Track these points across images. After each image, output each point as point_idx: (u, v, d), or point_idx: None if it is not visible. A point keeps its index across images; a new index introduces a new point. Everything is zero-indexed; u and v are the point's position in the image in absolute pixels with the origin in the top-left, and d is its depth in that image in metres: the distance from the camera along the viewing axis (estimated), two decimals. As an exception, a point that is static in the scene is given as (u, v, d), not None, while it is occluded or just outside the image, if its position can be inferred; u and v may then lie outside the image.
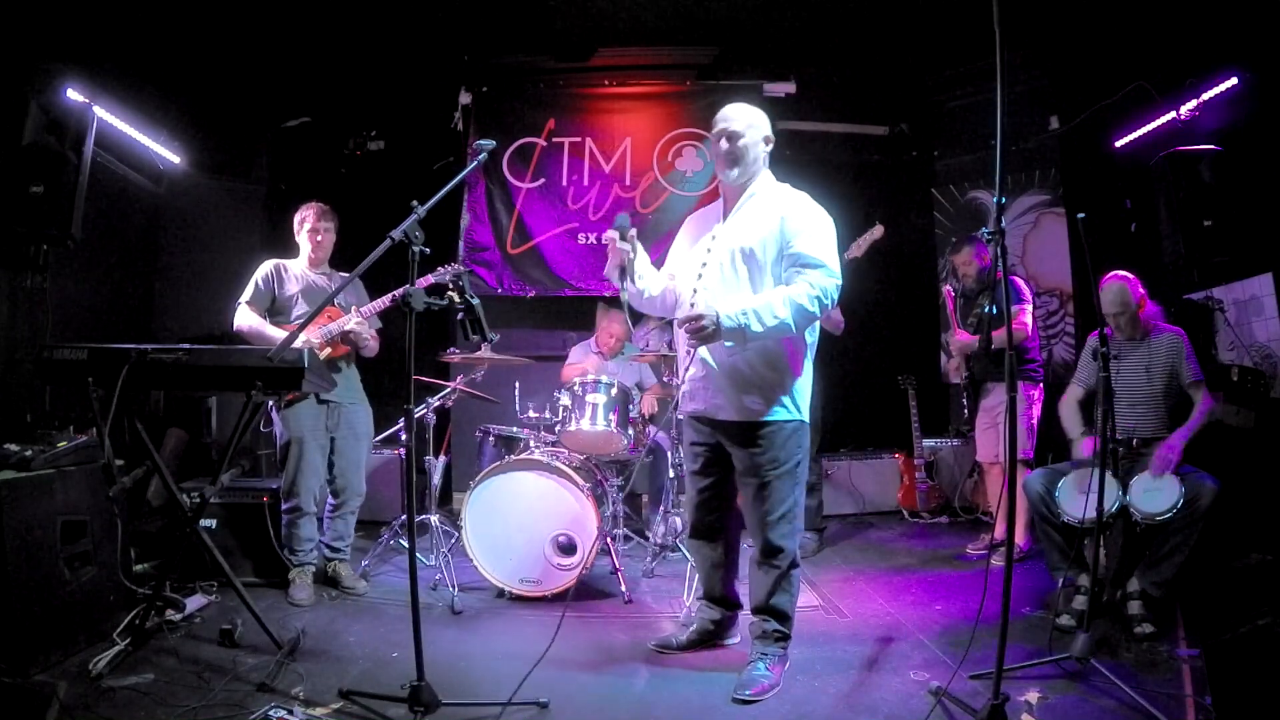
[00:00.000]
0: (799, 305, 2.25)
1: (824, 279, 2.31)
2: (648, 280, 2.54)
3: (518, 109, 5.34)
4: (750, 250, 2.40)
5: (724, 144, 2.45)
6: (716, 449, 2.56)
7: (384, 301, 3.35)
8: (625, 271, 2.46)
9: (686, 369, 2.53)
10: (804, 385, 2.49)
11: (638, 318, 3.80)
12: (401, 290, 3.25)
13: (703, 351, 2.44)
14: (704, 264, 2.49)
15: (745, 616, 2.73)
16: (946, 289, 4.30)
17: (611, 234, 2.46)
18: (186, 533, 2.83)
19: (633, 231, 2.48)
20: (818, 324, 2.49)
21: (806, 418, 2.50)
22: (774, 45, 5.16)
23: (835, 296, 2.33)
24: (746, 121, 2.46)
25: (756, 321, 2.24)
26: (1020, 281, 3.94)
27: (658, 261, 2.67)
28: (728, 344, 2.30)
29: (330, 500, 3.48)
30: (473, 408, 4.66)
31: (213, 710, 2.22)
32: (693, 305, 2.43)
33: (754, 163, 2.47)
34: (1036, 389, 3.91)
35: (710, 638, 2.78)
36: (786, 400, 2.43)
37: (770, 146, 2.53)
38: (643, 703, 2.40)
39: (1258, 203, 3.60)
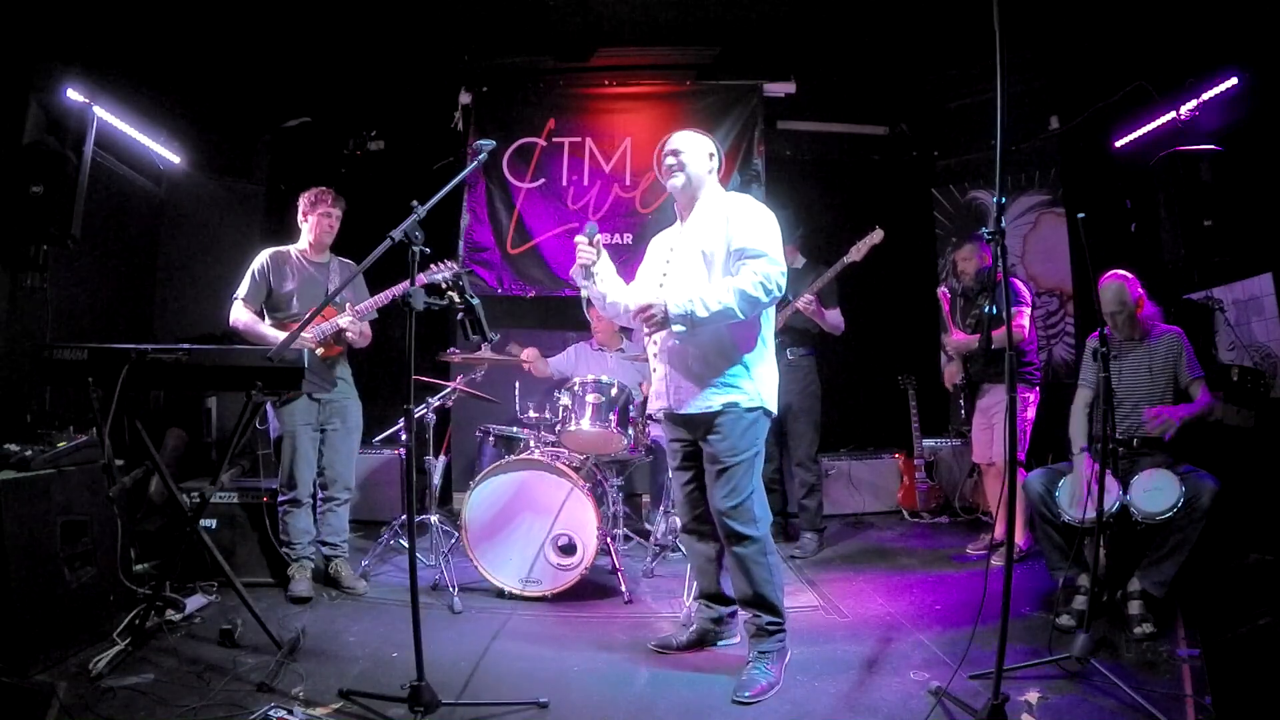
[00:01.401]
0: (743, 291, 2.38)
1: (767, 266, 2.43)
2: (608, 285, 2.70)
3: (518, 109, 5.33)
4: (705, 252, 2.56)
5: (669, 159, 2.66)
6: (692, 444, 2.66)
7: (380, 299, 3.36)
8: (588, 273, 2.66)
9: (653, 370, 2.69)
10: (761, 369, 2.58)
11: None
12: (400, 288, 3.29)
13: (666, 353, 2.59)
14: (664, 274, 2.65)
15: (744, 614, 2.72)
16: (942, 290, 4.29)
17: (581, 238, 2.63)
18: (186, 533, 2.84)
19: (598, 238, 2.67)
20: (771, 313, 2.64)
21: (771, 407, 2.60)
22: (774, 45, 5.15)
23: (780, 283, 2.44)
24: (689, 142, 2.66)
25: (702, 307, 2.37)
26: (1020, 284, 3.94)
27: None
28: (678, 329, 2.41)
29: (320, 493, 3.49)
30: (473, 408, 4.66)
31: (213, 710, 2.22)
32: None
33: (696, 176, 2.64)
34: (1032, 392, 3.91)
35: (711, 637, 2.79)
36: (745, 385, 2.53)
37: (715, 162, 2.69)
38: (643, 703, 2.40)
39: (1258, 203, 3.60)
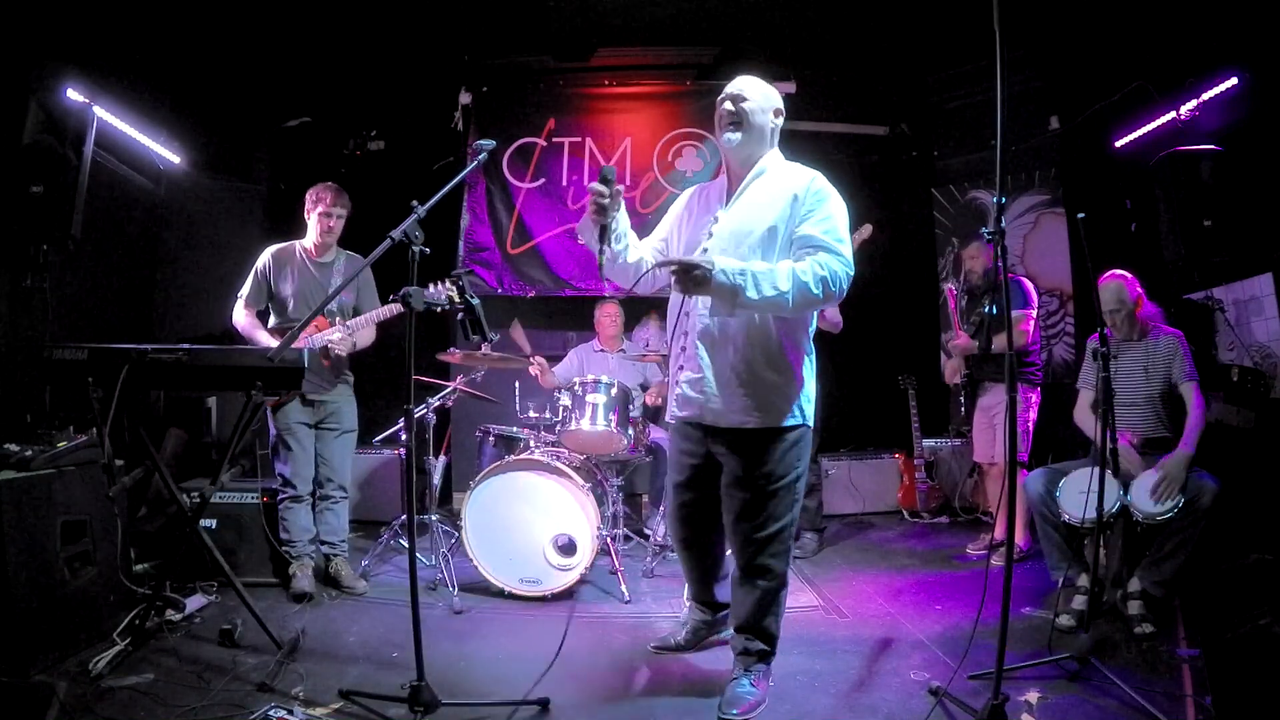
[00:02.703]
0: (803, 283, 2.04)
1: (835, 263, 2.11)
2: (627, 241, 2.31)
3: (518, 109, 5.34)
4: (755, 235, 2.21)
5: (728, 104, 2.26)
6: (707, 459, 2.39)
7: (372, 316, 3.35)
8: (605, 231, 2.21)
9: (679, 368, 2.36)
10: (809, 380, 2.33)
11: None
12: (393, 309, 3.26)
13: (700, 351, 2.30)
14: (704, 249, 2.28)
15: (736, 635, 2.52)
16: (949, 288, 4.28)
17: (596, 186, 2.16)
18: (186, 533, 2.84)
19: (619, 188, 2.23)
20: (814, 322, 2.38)
21: (812, 423, 2.35)
22: (774, 45, 5.15)
23: (845, 286, 2.13)
24: (755, 88, 2.29)
25: (753, 286, 2.01)
26: (1028, 285, 3.90)
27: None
28: (715, 303, 2.10)
29: (317, 492, 3.49)
30: (473, 408, 4.66)
31: (213, 710, 2.22)
32: (687, 299, 2.31)
33: (758, 131, 2.27)
34: (1034, 392, 3.90)
35: (708, 633, 2.78)
36: (790, 404, 2.27)
37: (781, 120, 2.35)
38: (643, 703, 2.40)
39: (1258, 203, 3.60)
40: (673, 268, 2.07)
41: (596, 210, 2.18)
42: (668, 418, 2.51)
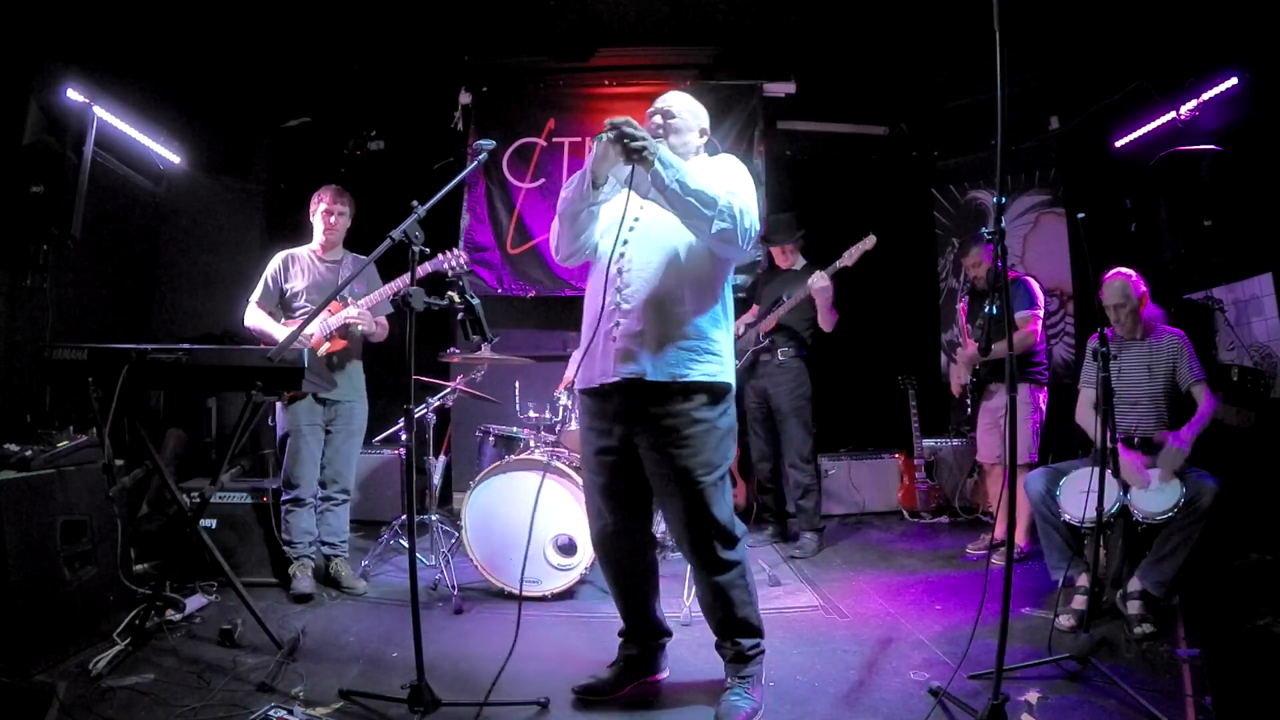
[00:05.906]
0: (729, 203, 2.08)
1: (746, 206, 2.14)
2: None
3: (518, 109, 5.34)
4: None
5: (656, 119, 2.36)
6: (625, 450, 2.26)
7: (387, 290, 3.34)
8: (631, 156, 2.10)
9: (615, 324, 2.21)
10: (729, 338, 2.31)
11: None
12: (403, 282, 3.26)
13: (641, 307, 2.18)
14: (636, 218, 2.27)
15: (722, 644, 2.37)
16: (962, 304, 4.28)
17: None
18: (186, 533, 2.84)
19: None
20: (730, 292, 2.34)
21: (733, 382, 2.28)
22: (774, 45, 5.16)
23: (752, 233, 2.16)
24: (683, 106, 2.40)
25: (690, 178, 2.04)
26: (1034, 285, 3.89)
27: None
28: (657, 171, 2.02)
29: (319, 491, 3.49)
30: (473, 408, 4.66)
31: (213, 710, 2.22)
32: (622, 255, 2.23)
33: (683, 146, 2.34)
34: (1042, 392, 3.90)
35: (636, 672, 2.46)
36: (724, 353, 2.24)
37: (705, 140, 2.43)
38: (642, 704, 2.39)
39: (1258, 203, 3.60)
40: (612, 134, 2.04)
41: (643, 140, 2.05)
42: (575, 385, 2.37)
